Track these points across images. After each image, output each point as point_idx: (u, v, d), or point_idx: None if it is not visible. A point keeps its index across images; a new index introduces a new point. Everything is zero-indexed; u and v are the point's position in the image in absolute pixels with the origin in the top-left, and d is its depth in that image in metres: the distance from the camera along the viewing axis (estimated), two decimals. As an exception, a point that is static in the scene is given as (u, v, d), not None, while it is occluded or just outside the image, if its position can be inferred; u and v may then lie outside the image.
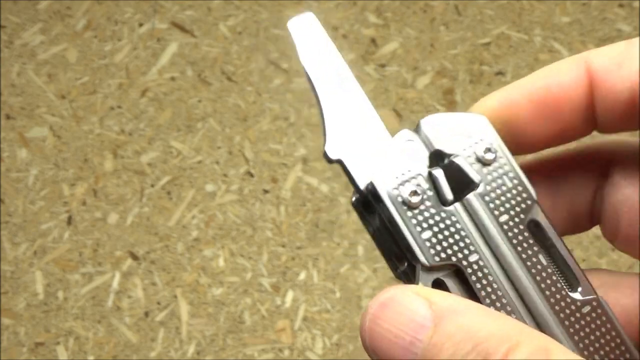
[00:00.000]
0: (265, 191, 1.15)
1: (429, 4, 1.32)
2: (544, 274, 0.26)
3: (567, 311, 0.26)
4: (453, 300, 0.24)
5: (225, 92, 1.24)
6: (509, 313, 0.26)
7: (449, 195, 0.26)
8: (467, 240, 0.26)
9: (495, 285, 0.26)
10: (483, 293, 0.26)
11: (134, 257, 1.10)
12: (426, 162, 0.27)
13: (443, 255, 0.26)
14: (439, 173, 0.26)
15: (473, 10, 1.32)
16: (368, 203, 0.27)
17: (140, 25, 1.32)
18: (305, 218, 1.13)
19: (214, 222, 1.13)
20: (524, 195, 0.26)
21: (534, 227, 0.27)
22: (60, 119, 1.22)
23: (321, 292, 1.08)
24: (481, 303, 0.26)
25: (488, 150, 0.26)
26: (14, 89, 1.26)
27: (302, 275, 1.09)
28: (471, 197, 0.26)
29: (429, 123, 0.27)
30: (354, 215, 1.15)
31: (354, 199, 0.29)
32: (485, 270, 0.26)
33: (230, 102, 1.23)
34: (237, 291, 1.08)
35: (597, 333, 0.26)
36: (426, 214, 0.26)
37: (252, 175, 1.17)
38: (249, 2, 1.33)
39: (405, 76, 1.25)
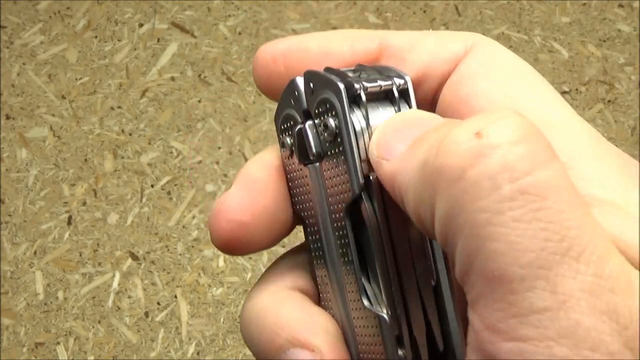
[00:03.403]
0: (265, 191, 1.15)
1: (429, 4, 1.32)
2: (347, 266, 0.26)
3: (355, 311, 0.26)
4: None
5: (225, 92, 1.24)
6: (324, 278, 0.27)
7: (300, 157, 0.27)
8: (310, 204, 0.27)
9: (319, 251, 0.27)
10: (313, 252, 0.27)
11: (134, 257, 1.10)
12: (301, 116, 0.27)
13: (297, 207, 0.28)
14: (298, 133, 0.26)
15: (473, 10, 1.32)
16: None
17: (140, 25, 1.32)
18: (305, 218, 1.13)
19: (214, 222, 1.13)
20: (347, 184, 0.25)
21: (357, 219, 0.25)
22: (60, 119, 1.22)
23: (321, 292, 1.08)
24: (314, 265, 0.27)
25: (331, 126, 0.25)
26: (14, 89, 1.26)
27: (302, 275, 1.09)
28: (316, 166, 0.26)
29: (308, 77, 0.26)
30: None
31: None
32: (317, 236, 0.27)
33: (230, 102, 1.23)
34: (237, 291, 1.08)
35: (368, 344, 0.25)
36: (293, 167, 0.27)
37: (252, 175, 1.17)
38: (249, 2, 1.33)
39: (405, 76, 1.25)
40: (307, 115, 0.26)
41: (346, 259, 0.26)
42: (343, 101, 0.24)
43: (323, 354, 0.25)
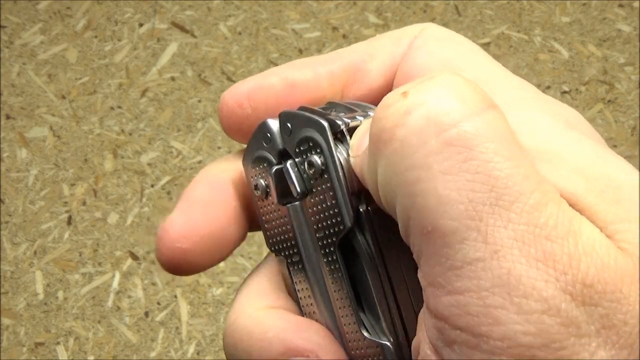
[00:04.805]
0: (265, 191, 1.15)
1: (429, 4, 1.32)
2: (342, 299, 0.26)
3: (353, 342, 0.26)
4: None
5: (225, 92, 1.24)
6: (313, 315, 0.27)
7: (279, 197, 0.26)
8: (293, 242, 0.27)
9: (307, 290, 0.27)
10: (299, 291, 0.27)
11: (134, 257, 1.10)
12: (276, 157, 0.27)
13: (275, 247, 0.28)
14: (276, 174, 0.26)
15: (473, 10, 1.32)
16: None
17: (140, 25, 1.32)
18: (305, 218, 1.13)
19: (214, 222, 1.13)
20: (338, 218, 0.25)
21: (351, 252, 0.25)
22: (60, 119, 1.22)
23: (321, 292, 1.08)
24: (298, 297, 0.27)
25: (317, 163, 0.25)
26: (14, 89, 1.26)
27: (302, 275, 1.09)
28: (296, 205, 0.26)
29: (284, 118, 0.26)
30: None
31: None
32: (302, 274, 0.27)
33: (230, 102, 1.23)
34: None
35: None
36: (268, 208, 0.27)
37: (252, 175, 1.17)
38: (249, 2, 1.33)
39: (405, 76, 1.25)
40: (283, 156, 0.26)
41: (340, 292, 0.26)
42: (328, 138, 0.24)
43: (319, 355, 0.25)
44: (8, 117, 1.23)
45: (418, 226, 0.20)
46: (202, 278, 1.09)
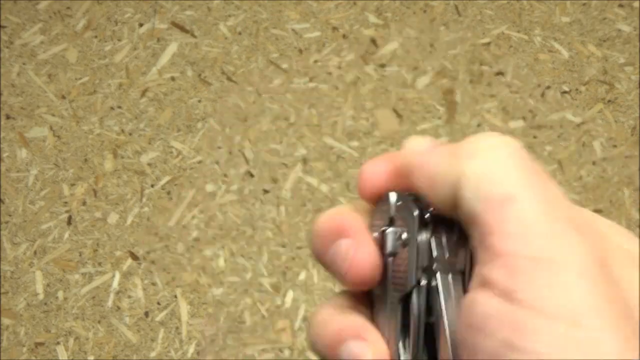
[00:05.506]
0: (265, 191, 1.15)
1: (429, 4, 1.32)
2: (395, 343, 0.33)
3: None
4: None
5: (225, 92, 1.24)
6: (384, 338, 0.34)
7: (380, 250, 0.35)
8: (383, 284, 0.35)
9: (383, 323, 0.35)
10: (379, 322, 0.35)
11: (134, 257, 1.10)
12: (387, 220, 0.35)
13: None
14: (381, 233, 0.35)
15: (473, 10, 1.32)
16: None
17: (140, 25, 1.32)
18: (305, 218, 1.13)
19: (214, 222, 1.13)
20: (404, 282, 0.33)
21: (407, 310, 0.33)
22: (60, 119, 1.22)
23: (321, 292, 1.08)
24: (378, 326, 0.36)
25: (404, 238, 0.33)
26: (14, 89, 1.26)
27: (302, 275, 1.09)
28: (390, 259, 0.34)
29: (398, 196, 0.34)
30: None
31: None
32: (381, 308, 0.35)
33: (230, 102, 1.23)
34: (237, 291, 1.08)
35: None
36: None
37: (252, 175, 1.17)
38: (249, 2, 1.33)
39: (405, 76, 1.25)
40: (391, 221, 0.34)
41: (395, 336, 0.33)
42: (415, 223, 0.32)
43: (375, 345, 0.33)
44: (8, 117, 1.23)
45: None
46: (202, 278, 1.09)
